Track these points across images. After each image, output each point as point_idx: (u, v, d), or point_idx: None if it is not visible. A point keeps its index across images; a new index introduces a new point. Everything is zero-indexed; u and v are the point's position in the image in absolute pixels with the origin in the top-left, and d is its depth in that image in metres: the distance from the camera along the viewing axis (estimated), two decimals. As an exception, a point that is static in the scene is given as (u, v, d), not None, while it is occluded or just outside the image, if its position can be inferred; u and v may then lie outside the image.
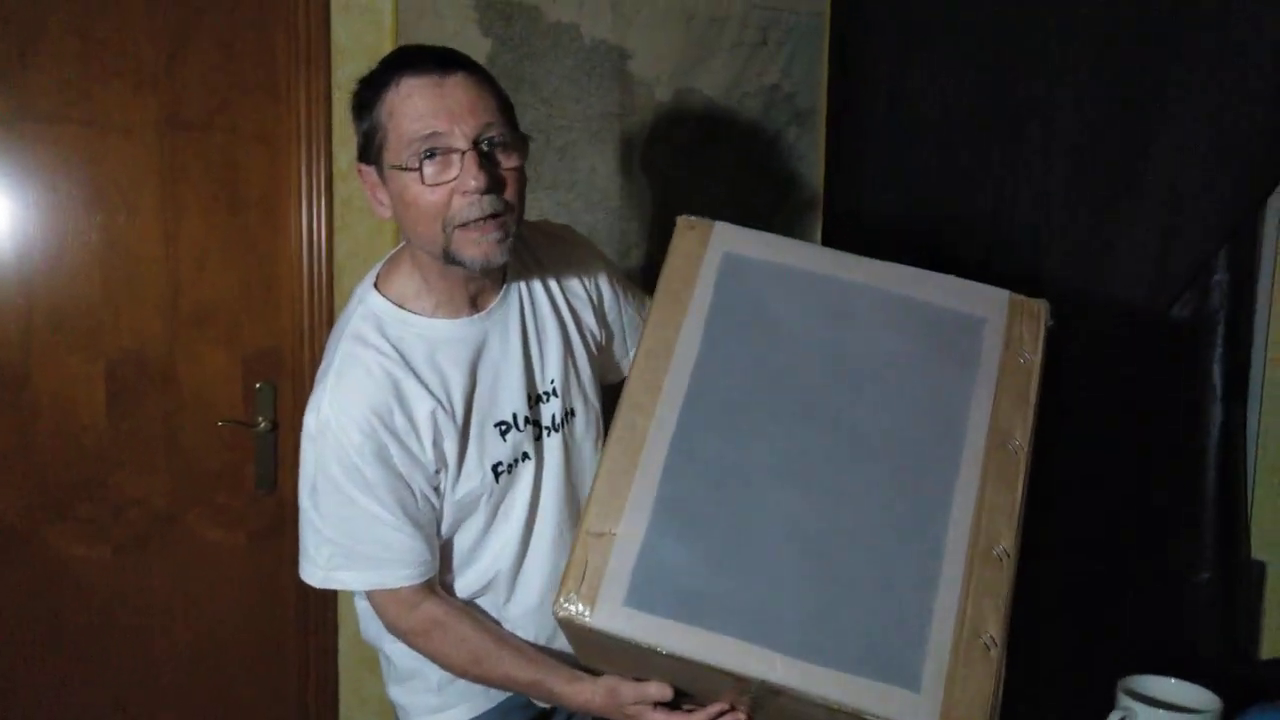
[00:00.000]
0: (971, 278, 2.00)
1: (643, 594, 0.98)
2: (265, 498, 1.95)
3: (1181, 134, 1.65)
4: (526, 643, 1.21)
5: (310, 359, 1.90)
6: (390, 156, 1.08)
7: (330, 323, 1.91)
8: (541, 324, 1.23)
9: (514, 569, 1.23)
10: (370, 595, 1.18)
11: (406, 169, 1.07)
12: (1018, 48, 1.88)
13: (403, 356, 1.12)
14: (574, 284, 1.29)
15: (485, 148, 1.08)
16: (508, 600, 1.24)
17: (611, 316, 1.35)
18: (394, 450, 1.11)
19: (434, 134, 1.06)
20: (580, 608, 0.97)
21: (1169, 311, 1.66)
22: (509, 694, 1.26)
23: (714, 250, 1.15)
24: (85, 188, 1.79)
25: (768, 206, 2.32)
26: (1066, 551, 1.79)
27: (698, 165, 2.21)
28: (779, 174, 2.33)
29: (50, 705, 1.87)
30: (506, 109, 1.13)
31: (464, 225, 1.08)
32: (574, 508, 1.25)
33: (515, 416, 1.19)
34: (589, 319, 1.30)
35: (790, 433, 1.05)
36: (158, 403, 1.87)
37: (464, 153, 1.06)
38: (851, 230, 2.34)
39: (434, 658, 1.18)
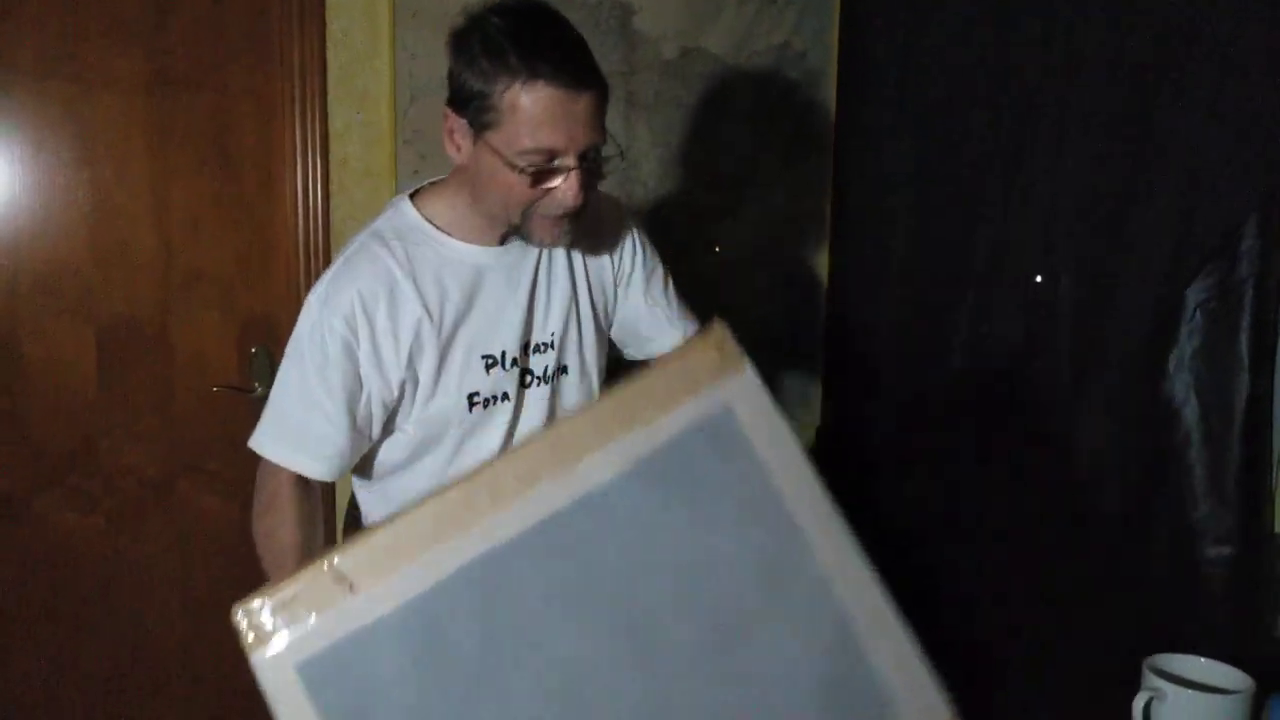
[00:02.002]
0: (985, 248, 2.00)
1: (321, 674, 0.74)
2: (261, 466, 1.90)
3: (1209, 94, 1.58)
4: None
5: (306, 325, 1.85)
6: (497, 141, 1.07)
7: (327, 288, 1.86)
8: (554, 276, 1.24)
9: None
10: (263, 465, 1.18)
11: (511, 166, 1.07)
12: (1034, 6, 1.81)
13: (411, 263, 1.14)
14: (600, 251, 1.30)
15: (587, 164, 1.09)
16: None
17: (633, 294, 1.35)
18: (364, 346, 1.13)
19: (552, 151, 1.06)
20: (249, 627, 0.75)
21: (1195, 279, 1.60)
22: None
23: (715, 393, 0.85)
24: (72, 146, 1.73)
25: (776, 168, 2.26)
26: (1089, 528, 1.75)
27: (705, 126, 2.15)
28: (788, 135, 2.26)
29: (47, 674, 1.84)
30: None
31: (545, 216, 1.11)
32: None
33: (504, 355, 1.20)
34: (606, 287, 1.31)
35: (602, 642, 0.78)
36: (150, 368, 1.83)
37: (571, 170, 1.08)
38: (861, 193, 2.28)
39: (253, 526, 1.17)
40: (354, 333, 1.12)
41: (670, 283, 1.38)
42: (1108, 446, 1.74)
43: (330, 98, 1.84)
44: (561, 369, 1.26)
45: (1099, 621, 1.75)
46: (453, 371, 1.18)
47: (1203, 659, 1.16)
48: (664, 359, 1.22)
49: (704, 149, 2.14)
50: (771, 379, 2.39)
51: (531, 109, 1.04)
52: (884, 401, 2.20)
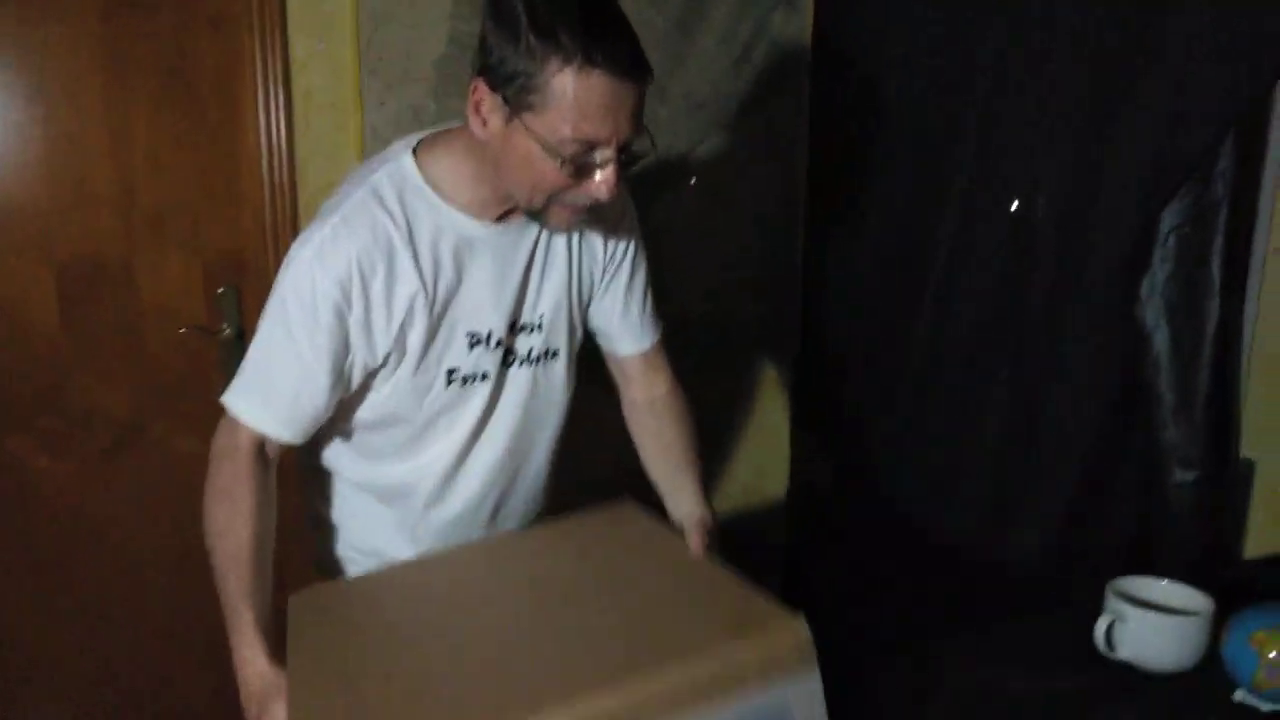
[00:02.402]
0: (962, 174, 1.98)
1: None
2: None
3: (1184, 14, 1.55)
4: (261, 583, 1.10)
5: (275, 262, 1.82)
6: (537, 125, 0.99)
7: (295, 224, 1.83)
8: (551, 257, 1.20)
9: (444, 480, 1.24)
10: (224, 433, 1.13)
11: (550, 152, 1.00)
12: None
13: (410, 230, 1.09)
14: (595, 236, 1.25)
15: (625, 157, 1.03)
16: (428, 505, 1.25)
17: (615, 288, 1.31)
18: (356, 312, 1.08)
19: (597, 140, 1.00)
20: None
21: (1170, 203, 1.59)
22: None
23: (783, 689, 0.90)
24: (23, 78, 1.68)
25: (751, 98, 2.22)
26: (1061, 454, 1.77)
27: (676, 52, 2.10)
28: (763, 62, 2.22)
29: (24, 619, 1.84)
30: None
31: (569, 205, 1.06)
32: (525, 442, 1.27)
33: (489, 334, 1.17)
34: (594, 273, 1.27)
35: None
36: (115, 309, 1.80)
37: (610, 162, 1.02)
38: (838, 127, 2.25)
39: (205, 511, 1.12)
40: (347, 298, 1.07)
41: (649, 286, 1.33)
42: (1081, 373, 1.75)
43: (290, 25, 1.79)
44: (552, 353, 1.24)
45: (1069, 545, 1.78)
46: (437, 346, 1.14)
47: (1165, 581, 1.18)
48: (742, 638, 0.94)
49: (674, 77, 2.10)
50: (748, 305, 2.36)
51: (584, 97, 0.96)
52: (864, 327, 2.20)
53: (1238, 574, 1.46)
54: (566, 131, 0.97)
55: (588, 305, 1.29)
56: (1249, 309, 1.64)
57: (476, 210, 1.12)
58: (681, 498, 1.28)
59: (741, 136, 2.23)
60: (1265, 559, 1.59)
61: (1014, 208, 1.85)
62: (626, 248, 1.28)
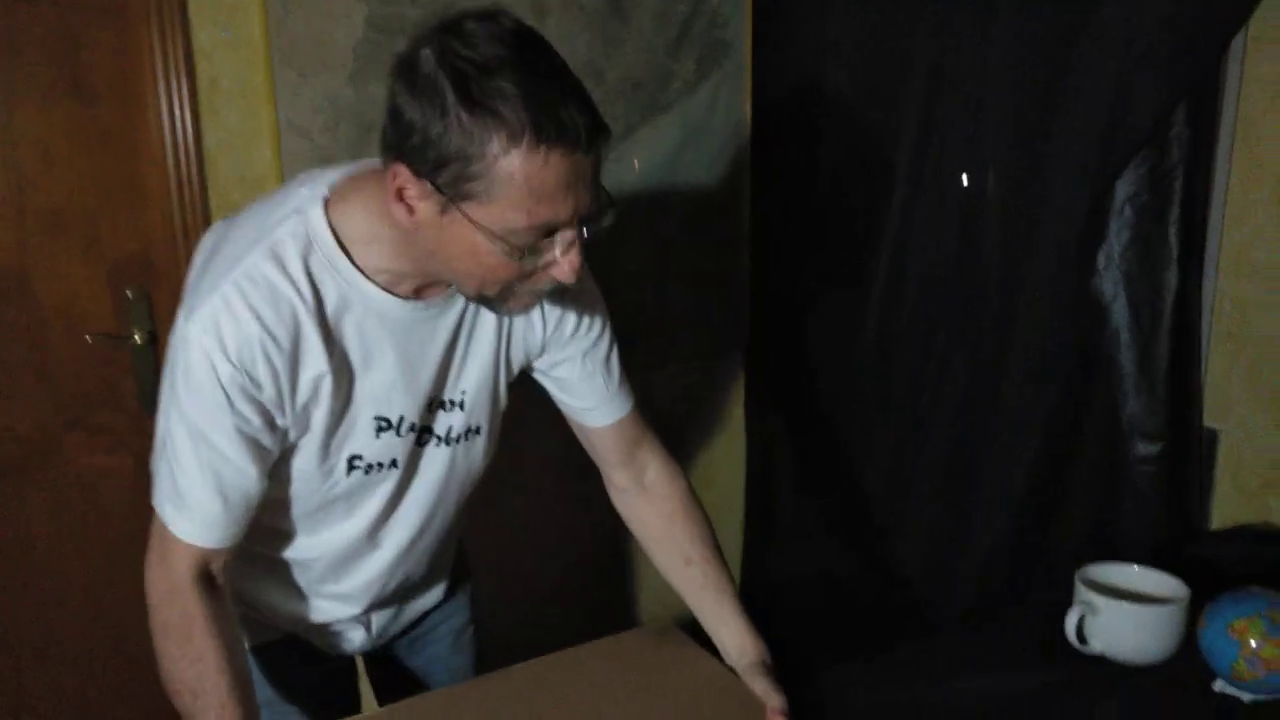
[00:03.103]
0: (910, 147, 1.91)
1: None
2: (151, 417, 1.77)
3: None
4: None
5: (185, 260, 1.69)
6: (481, 216, 0.82)
7: (206, 221, 1.71)
8: (477, 333, 1.03)
9: (346, 561, 1.09)
10: (158, 542, 0.96)
11: (500, 242, 0.84)
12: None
13: (319, 302, 0.92)
14: (549, 312, 1.07)
15: (587, 229, 0.88)
16: (326, 580, 1.10)
17: (568, 356, 1.10)
18: (265, 391, 0.91)
19: (556, 224, 0.84)
20: None
21: (1125, 171, 1.54)
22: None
23: None
24: (-104, 73, 1.54)
25: (691, 77, 2.13)
26: (1022, 430, 1.71)
27: (612, 35, 2.01)
28: (701, 41, 2.13)
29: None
30: None
31: (530, 293, 0.91)
32: (441, 521, 1.12)
33: (400, 420, 1.00)
34: (531, 345, 1.08)
35: None
36: (15, 318, 1.67)
37: (572, 244, 0.86)
38: (781, 105, 2.18)
39: (162, 664, 0.95)
40: (251, 378, 0.90)
41: (614, 353, 1.13)
42: (1039, 350, 1.70)
43: (192, 11, 1.66)
44: (472, 430, 1.07)
45: (1034, 528, 1.73)
46: (340, 431, 0.98)
47: (1136, 566, 1.12)
48: None
49: (608, 58, 2.01)
50: (695, 291, 2.27)
51: (538, 179, 0.80)
52: (815, 311, 2.14)
53: (1206, 549, 1.41)
54: (520, 221, 0.82)
55: (518, 375, 1.10)
56: (1207, 277, 1.59)
57: (393, 283, 0.94)
58: (727, 631, 1.09)
59: (682, 117, 2.14)
60: (1231, 530, 1.55)
61: (963, 183, 1.79)
62: (581, 312, 1.08)
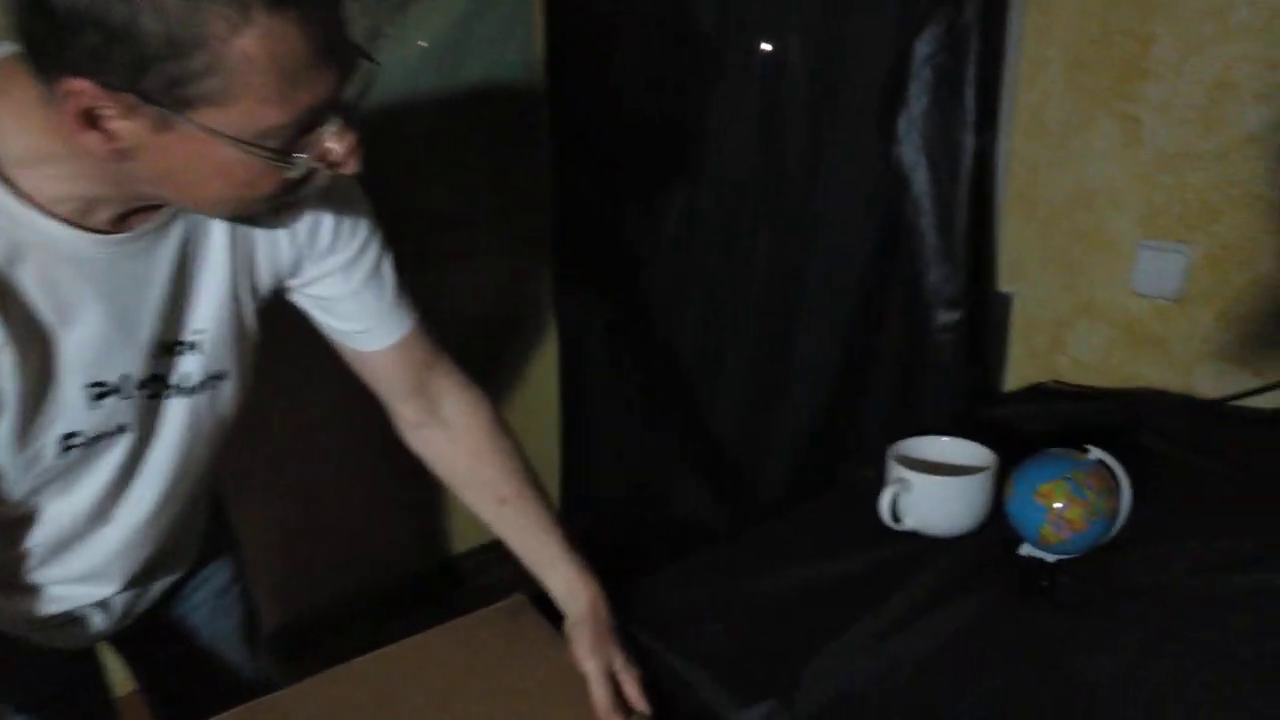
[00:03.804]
0: (708, 22, 1.80)
1: None
2: None
3: None
4: None
5: None
6: (224, 120, 0.63)
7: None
8: (205, 259, 0.82)
9: (69, 543, 0.88)
10: None
11: (254, 149, 0.64)
12: None
13: None
14: (299, 222, 0.87)
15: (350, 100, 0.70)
16: (46, 566, 0.89)
17: (325, 264, 0.90)
18: None
19: (320, 104, 0.65)
20: None
21: (923, 29, 1.49)
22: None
23: None
24: None
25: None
26: (831, 306, 1.69)
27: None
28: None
29: None
30: None
31: (296, 201, 0.74)
32: (189, 484, 0.93)
33: (125, 380, 0.80)
34: (280, 258, 0.87)
35: None
36: None
37: (346, 130, 0.68)
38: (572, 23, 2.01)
39: None
40: None
41: (386, 261, 0.93)
42: (845, 218, 1.67)
43: None
44: (215, 376, 0.87)
45: (843, 400, 1.73)
46: (44, 411, 0.76)
47: (945, 438, 1.11)
48: None
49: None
50: (493, 191, 2.12)
51: (287, 58, 0.61)
52: (618, 189, 2.03)
53: (1005, 411, 1.44)
54: (276, 117, 0.64)
55: (270, 300, 0.91)
56: (1001, 139, 1.59)
57: (81, 213, 0.71)
58: (553, 576, 0.96)
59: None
60: (1026, 390, 1.60)
61: (764, 49, 1.70)
62: (340, 215, 0.88)
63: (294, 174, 0.69)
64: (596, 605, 0.93)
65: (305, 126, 0.66)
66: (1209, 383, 1.44)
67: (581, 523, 2.25)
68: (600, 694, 0.86)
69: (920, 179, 1.57)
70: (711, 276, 1.89)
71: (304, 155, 0.68)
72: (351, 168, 0.70)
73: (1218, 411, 1.37)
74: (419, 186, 2.00)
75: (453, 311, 2.16)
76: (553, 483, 2.35)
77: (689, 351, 1.98)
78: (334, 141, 0.68)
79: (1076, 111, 1.50)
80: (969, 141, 1.53)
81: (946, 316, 1.62)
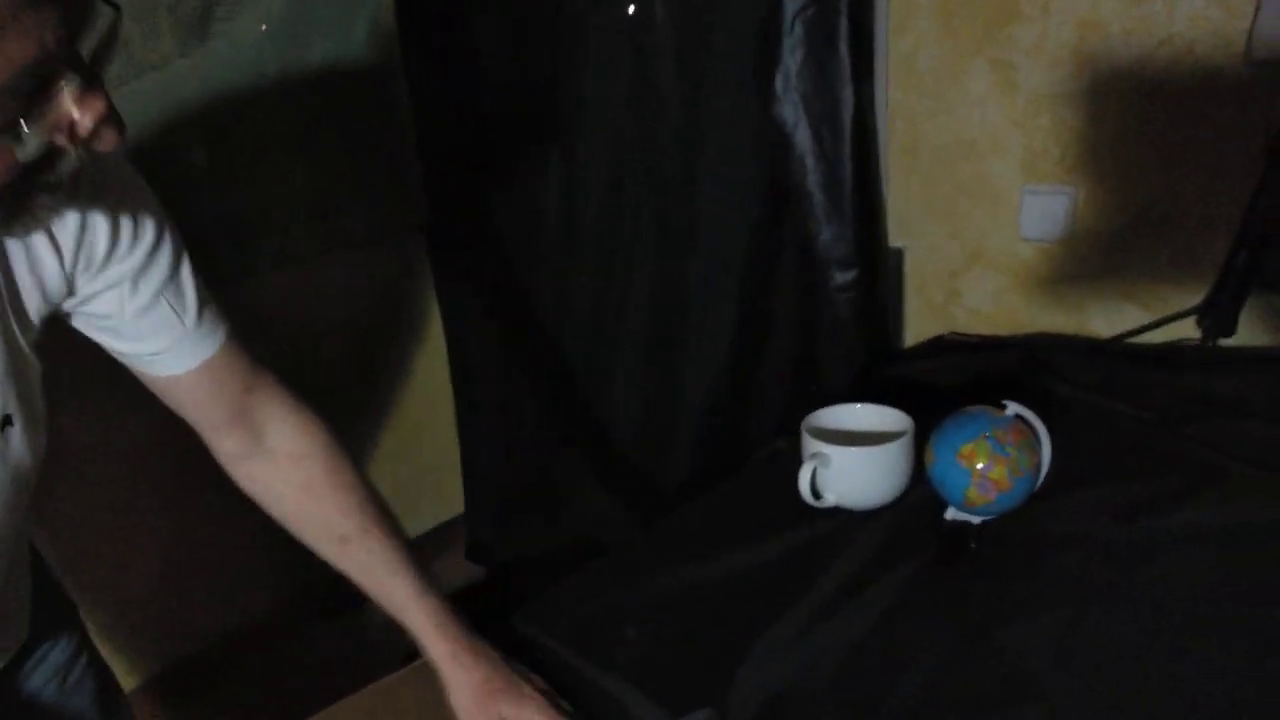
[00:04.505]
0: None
1: None
2: None
3: None
4: None
5: None
6: None
7: None
8: None
9: None
10: None
11: None
12: None
13: None
14: (63, 230, 0.69)
15: (95, 55, 0.55)
16: None
17: (104, 277, 0.73)
18: None
19: (41, 61, 0.50)
20: None
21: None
22: None
23: None
24: None
25: None
26: (720, 275, 1.64)
27: None
28: None
29: None
30: None
31: (38, 192, 0.57)
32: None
33: None
34: (50, 278, 0.70)
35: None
36: None
37: (87, 83, 0.54)
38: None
39: None
40: None
41: (184, 267, 0.77)
42: (729, 184, 1.61)
43: None
44: (3, 420, 0.70)
45: (743, 373, 1.68)
46: None
47: (857, 405, 1.06)
48: None
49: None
50: (357, 170, 1.95)
51: None
52: (491, 167, 1.92)
53: (906, 369, 1.41)
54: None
55: (42, 332, 0.72)
56: (879, 91, 1.55)
57: None
58: (410, 620, 0.83)
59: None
60: (925, 345, 1.57)
61: (630, 11, 1.62)
62: (116, 216, 0.71)
63: (25, 153, 0.54)
64: (459, 658, 0.81)
65: (28, 90, 0.52)
66: (1101, 322, 1.44)
67: (483, 529, 2.14)
68: None
69: (802, 137, 1.52)
70: (597, 255, 1.81)
71: (35, 130, 0.53)
72: (109, 142, 0.56)
73: (1114, 351, 1.37)
74: (275, 180, 1.85)
75: (329, 310, 2.03)
76: (455, 485, 2.24)
77: (580, 335, 1.90)
78: (75, 108, 0.54)
79: (950, 59, 1.47)
80: (847, 95, 1.49)
81: (841, 277, 1.58)
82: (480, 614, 0.86)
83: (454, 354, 2.20)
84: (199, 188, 1.70)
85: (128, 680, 1.81)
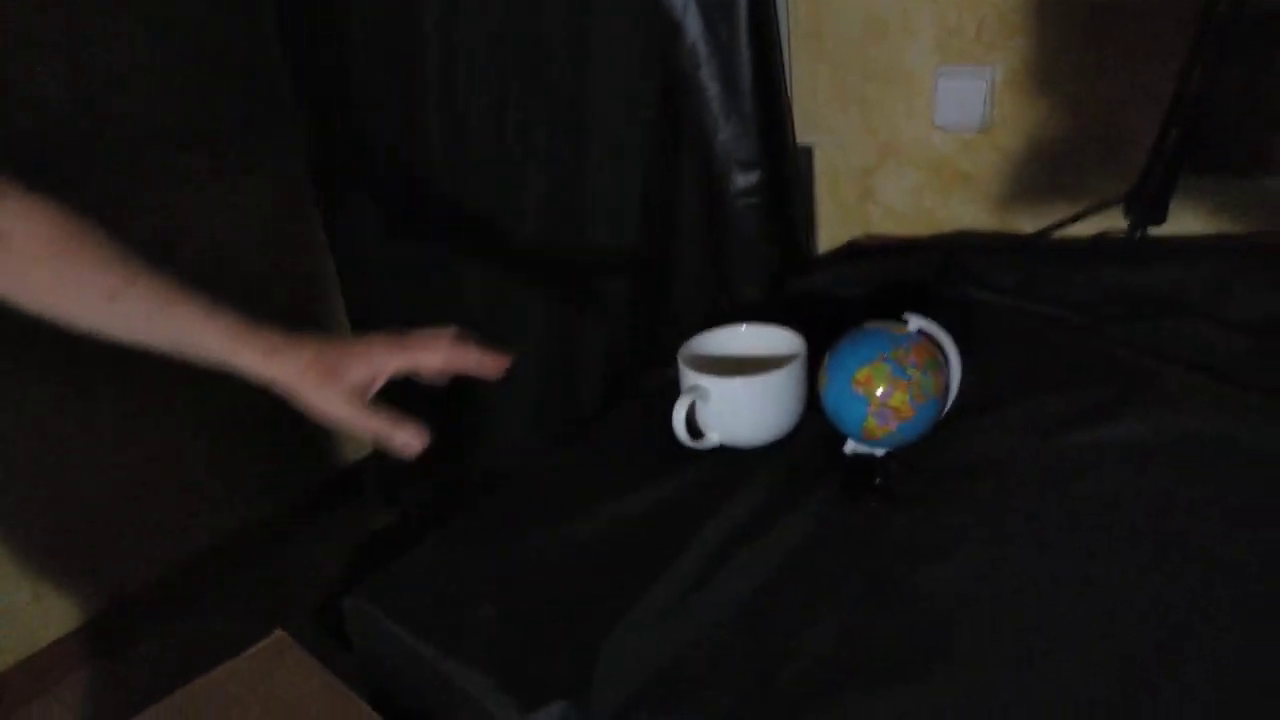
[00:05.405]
0: None
1: None
2: None
3: None
4: None
5: None
6: None
7: None
8: None
9: None
10: None
11: None
12: None
13: None
14: None
15: None
16: None
17: None
18: None
19: None
20: None
21: None
22: None
23: None
24: None
25: None
26: (621, 180, 1.49)
27: None
28: None
29: None
30: None
31: None
32: None
33: None
34: None
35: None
36: None
37: None
38: None
39: None
40: None
41: None
42: (619, 82, 1.45)
43: None
44: None
45: (650, 294, 1.54)
46: None
47: (743, 326, 0.93)
48: None
49: None
50: (229, 103, 1.76)
51: None
52: (368, 89, 1.74)
53: (816, 279, 1.28)
54: None
55: None
56: (777, -27, 1.38)
57: None
58: (210, 331, 0.73)
59: None
60: (837, 252, 1.45)
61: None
62: None
63: None
64: (276, 352, 0.74)
65: None
66: (1025, 217, 1.32)
67: (390, 469, 2.01)
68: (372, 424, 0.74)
69: (693, 23, 1.35)
70: (488, 168, 1.64)
71: None
72: None
73: (1036, 248, 1.25)
74: (135, 102, 1.65)
75: (212, 241, 1.86)
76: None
77: (477, 260, 1.74)
78: None
79: (854, -73, 1.32)
80: (743, -19, 1.32)
81: (744, 180, 1.43)
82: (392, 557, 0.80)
83: (346, 286, 2.04)
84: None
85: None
